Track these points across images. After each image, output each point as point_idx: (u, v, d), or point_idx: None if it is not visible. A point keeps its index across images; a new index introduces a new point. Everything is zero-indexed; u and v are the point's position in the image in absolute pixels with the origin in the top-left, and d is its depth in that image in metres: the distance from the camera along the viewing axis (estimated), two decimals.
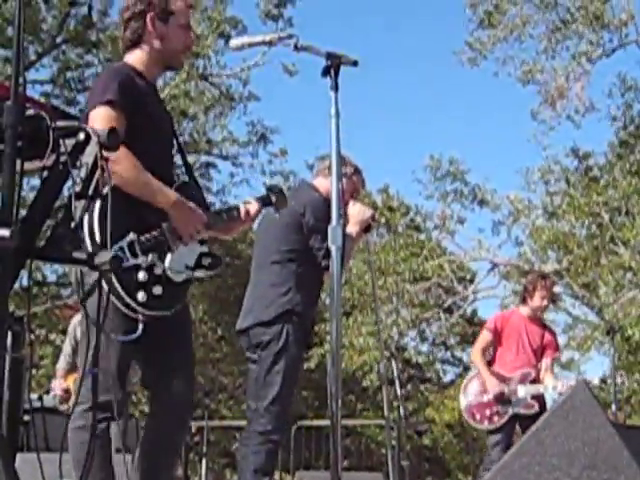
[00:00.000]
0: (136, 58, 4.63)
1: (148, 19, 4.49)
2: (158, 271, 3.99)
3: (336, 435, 4.32)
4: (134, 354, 4.45)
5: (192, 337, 4.91)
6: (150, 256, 3.95)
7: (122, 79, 4.39)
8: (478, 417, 8.45)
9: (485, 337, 8.85)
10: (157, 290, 3.99)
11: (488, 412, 8.33)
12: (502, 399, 8.24)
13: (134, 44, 4.62)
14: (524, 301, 8.96)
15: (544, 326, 9.12)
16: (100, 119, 4.15)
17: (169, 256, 4.02)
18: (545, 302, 8.89)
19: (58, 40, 22.11)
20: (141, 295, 3.92)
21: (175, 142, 4.85)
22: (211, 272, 4.37)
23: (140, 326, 3.96)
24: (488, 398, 8.35)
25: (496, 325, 8.86)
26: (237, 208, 4.63)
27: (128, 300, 3.90)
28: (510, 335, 8.61)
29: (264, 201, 4.74)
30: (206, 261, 4.23)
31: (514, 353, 8.53)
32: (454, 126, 56.87)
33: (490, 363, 8.58)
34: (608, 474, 3.60)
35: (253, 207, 4.62)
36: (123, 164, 3.85)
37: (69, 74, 22.65)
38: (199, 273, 4.31)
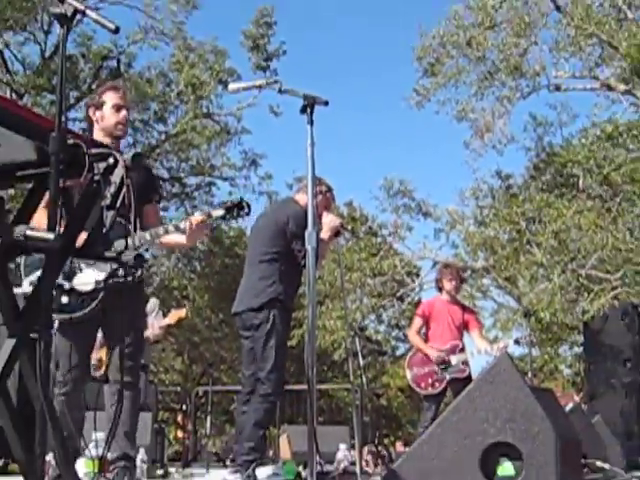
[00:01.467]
0: (96, 134, 4.95)
1: (90, 111, 4.99)
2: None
3: (312, 397, 4.36)
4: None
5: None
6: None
7: None
8: (423, 385, 8.41)
9: (417, 322, 8.84)
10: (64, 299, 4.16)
11: (430, 380, 8.30)
12: (444, 364, 8.25)
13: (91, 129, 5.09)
14: (440, 289, 9.01)
15: (464, 307, 9.11)
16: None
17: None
18: (454, 283, 8.85)
19: (93, 87, 22.05)
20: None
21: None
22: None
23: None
24: (429, 369, 8.33)
25: (424, 311, 8.86)
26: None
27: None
28: (437, 317, 8.60)
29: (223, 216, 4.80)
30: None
31: (442, 331, 8.52)
32: (405, 154, 57.46)
33: (425, 341, 8.58)
34: (525, 425, 3.63)
35: (195, 219, 4.69)
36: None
37: None
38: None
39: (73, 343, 4.65)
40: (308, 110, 4.31)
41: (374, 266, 22.27)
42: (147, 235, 4.58)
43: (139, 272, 4.29)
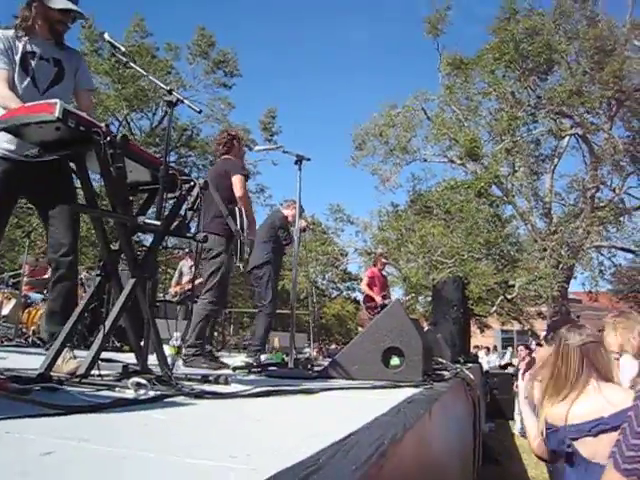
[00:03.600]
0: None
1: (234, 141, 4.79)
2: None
3: (293, 317, 4.30)
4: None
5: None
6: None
7: None
8: (372, 313, 8.44)
9: (367, 280, 8.86)
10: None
11: (377, 311, 8.39)
12: (382, 305, 8.33)
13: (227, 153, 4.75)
14: (375, 265, 9.06)
15: (385, 276, 9.14)
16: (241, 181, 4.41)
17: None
18: (383, 260, 9.07)
19: (178, 145, 21.80)
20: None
21: None
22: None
23: None
24: (375, 304, 8.41)
25: (372, 275, 8.86)
26: None
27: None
28: (377, 280, 8.66)
29: None
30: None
31: (379, 287, 8.57)
32: (343, 189, 57.76)
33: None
34: (406, 338, 3.59)
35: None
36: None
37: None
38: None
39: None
40: (299, 163, 4.25)
41: (323, 249, 22.31)
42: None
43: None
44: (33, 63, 2.85)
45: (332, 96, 61.15)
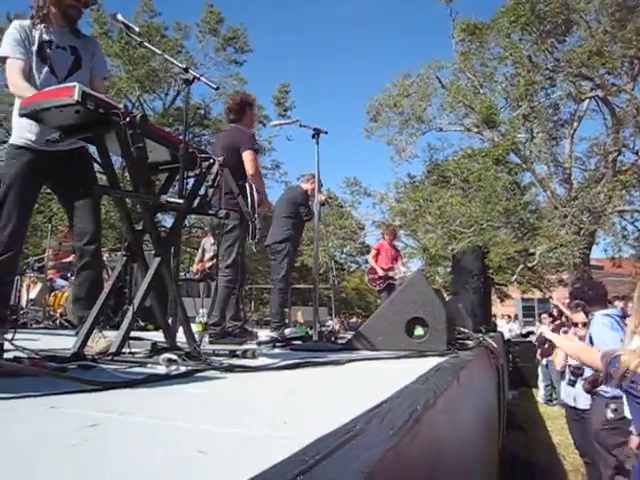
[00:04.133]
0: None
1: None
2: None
3: (316, 291, 4.33)
4: None
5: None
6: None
7: None
8: (375, 285, 8.55)
9: (373, 252, 8.91)
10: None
11: (380, 282, 8.44)
12: (383, 276, 8.35)
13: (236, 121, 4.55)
14: (384, 237, 9.09)
15: (396, 248, 9.08)
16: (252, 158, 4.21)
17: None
18: (392, 236, 9.05)
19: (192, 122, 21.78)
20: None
21: None
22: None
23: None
24: (378, 275, 8.42)
25: (378, 248, 8.87)
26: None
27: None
28: (384, 251, 8.67)
29: None
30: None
31: (385, 259, 8.55)
32: (358, 162, 57.36)
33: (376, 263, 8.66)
34: (429, 308, 3.61)
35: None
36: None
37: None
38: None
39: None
40: (317, 136, 4.23)
41: (340, 223, 22.31)
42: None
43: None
44: (50, 52, 2.88)
45: (345, 70, 60.72)
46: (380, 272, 8.47)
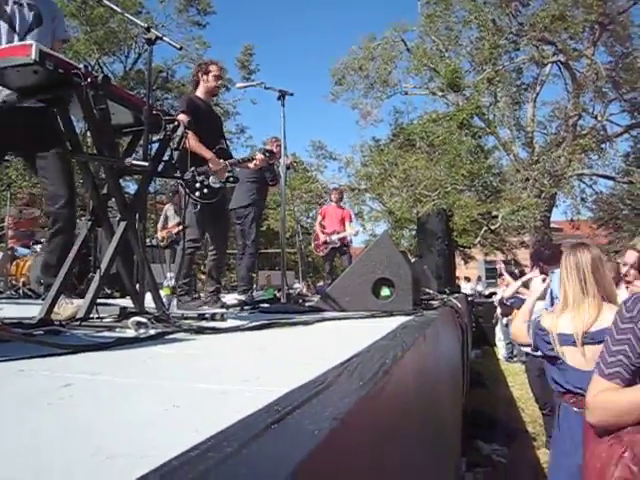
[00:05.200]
0: (199, 90, 4.34)
1: (199, 74, 4.30)
2: (206, 182, 3.86)
3: (283, 255, 4.34)
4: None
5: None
6: (202, 176, 3.84)
7: (190, 101, 4.24)
8: (319, 250, 8.48)
9: (318, 218, 8.81)
10: (205, 190, 3.88)
11: (323, 248, 8.37)
12: (326, 241, 8.30)
13: (196, 85, 4.38)
14: (331, 200, 9.07)
15: (343, 208, 8.95)
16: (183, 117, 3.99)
17: (211, 177, 3.89)
18: (337, 196, 8.93)
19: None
20: (197, 193, 3.82)
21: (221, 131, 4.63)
22: (232, 184, 4.22)
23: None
24: (320, 241, 8.39)
25: (323, 212, 8.82)
26: (249, 159, 4.52)
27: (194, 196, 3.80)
28: (328, 215, 8.63)
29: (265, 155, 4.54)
30: (230, 179, 4.05)
31: (330, 222, 8.55)
32: (324, 126, 56.91)
33: (323, 228, 8.56)
34: (395, 269, 3.66)
35: (259, 158, 4.49)
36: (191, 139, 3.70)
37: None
38: (228, 184, 4.12)
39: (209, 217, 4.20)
40: (282, 98, 4.18)
41: (306, 187, 22.26)
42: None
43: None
44: (8, 8, 2.79)
45: (309, 31, 59.47)
46: (321, 236, 8.39)
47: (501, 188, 18.46)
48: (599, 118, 19.09)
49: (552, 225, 20.79)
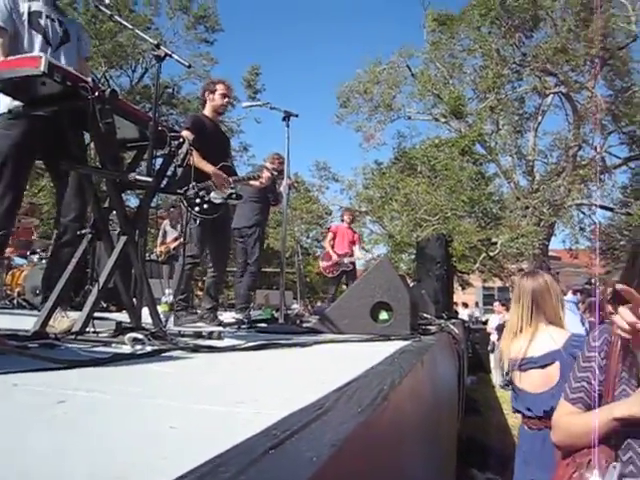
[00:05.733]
0: (207, 109, 4.42)
1: (206, 93, 4.36)
2: (206, 198, 3.88)
3: (283, 275, 4.33)
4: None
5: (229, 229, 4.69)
6: (203, 192, 3.86)
7: (195, 119, 4.30)
8: (328, 271, 8.37)
9: (329, 236, 8.72)
10: (205, 205, 3.89)
11: (333, 269, 8.27)
12: (338, 263, 8.21)
13: (204, 104, 4.45)
14: (342, 220, 8.95)
15: (353, 231, 8.85)
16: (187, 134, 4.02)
17: (212, 193, 3.91)
18: (349, 218, 8.81)
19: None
20: (197, 208, 3.84)
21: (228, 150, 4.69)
22: (235, 201, 4.22)
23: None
24: (332, 262, 8.28)
25: (335, 230, 8.75)
26: (255, 177, 4.59)
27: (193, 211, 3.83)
28: (339, 235, 8.56)
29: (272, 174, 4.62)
30: (232, 196, 4.06)
31: (341, 243, 8.43)
32: (328, 147, 57.09)
33: (331, 248, 8.45)
34: (394, 293, 3.65)
35: (265, 176, 4.57)
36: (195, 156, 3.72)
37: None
38: (230, 201, 4.13)
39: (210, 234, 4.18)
40: (287, 119, 4.21)
41: (307, 207, 22.33)
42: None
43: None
44: (42, 22, 2.88)
45: (318, 54, 60.17)
46: (334, 257, 8.25)
47: (501, 215, 18.50)
48: (598, 149, 19.23)
49: (550, 253, 20.80)
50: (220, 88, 4.37)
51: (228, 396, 1.26)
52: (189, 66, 2.63)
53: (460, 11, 19.63)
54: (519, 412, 2.66)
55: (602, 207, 19.95)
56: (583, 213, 20.09)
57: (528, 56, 18.52)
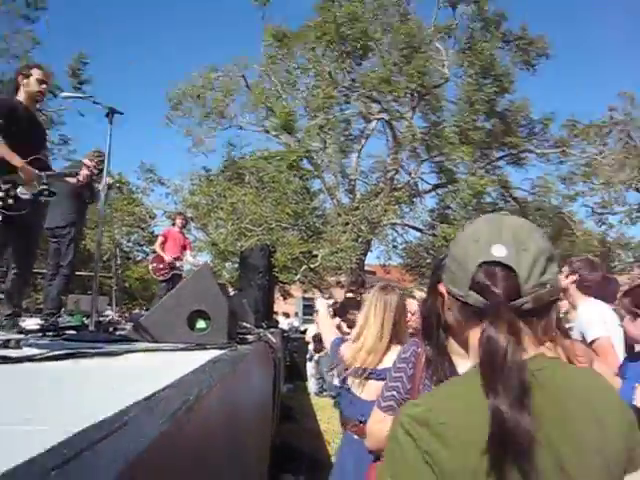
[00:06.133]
0: (20, 95, 3.96)
1: (19, 78, 3.93)
2: (12, 192, 3.51)
3: (96, 279, 4.06)
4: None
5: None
6: (8, 185, 3.49)
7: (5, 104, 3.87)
8: (159, 274, 8.13)
9: (160, 239, 8.51)
10: (11, 201, 3.51)
11: (164, 272, 8.06)
12: (170, 265, 8.01)
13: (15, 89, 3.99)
14: (173, 223, 8.81)
15: (185, 236, 8.79)
16: None
17: (20, 187, 3.54)
18: (182, 222, 8.78)
19: None
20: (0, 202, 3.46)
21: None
22: (47, 198, 3.85)
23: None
24: (167, 263, 8.05)
25: (166, 234, 8.54)
26: (72, 173, 4.26)
27: None
28: (171, 239, 8.38)
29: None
30: (44, 192, 3.72)
31: (173, 247, 8.23)
32: (155, 149, 54.69)
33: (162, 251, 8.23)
34: (212, 301, 3.62)
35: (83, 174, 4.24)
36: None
37: None
38: (42, 198, 3.76)
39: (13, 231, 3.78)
40: (110, 115, 3.98)
41: (130, 209, 21.23)
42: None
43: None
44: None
45: (153, 50, 57.73)
46: (167, 259, 8.09)
47: (322, 230, 19.35)
48: (412, 175, 21.14)
49: (366, 268, 22.30)
50: (36, 73, 3.96)
51: (16, 412, 1.15)
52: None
53: (298, 29, 20.32)
54: (350, 418, 2.68)
55: (413, 227, 21.95)
56: (396, 232, 21.95)
57: (357, 82, 19.77)
